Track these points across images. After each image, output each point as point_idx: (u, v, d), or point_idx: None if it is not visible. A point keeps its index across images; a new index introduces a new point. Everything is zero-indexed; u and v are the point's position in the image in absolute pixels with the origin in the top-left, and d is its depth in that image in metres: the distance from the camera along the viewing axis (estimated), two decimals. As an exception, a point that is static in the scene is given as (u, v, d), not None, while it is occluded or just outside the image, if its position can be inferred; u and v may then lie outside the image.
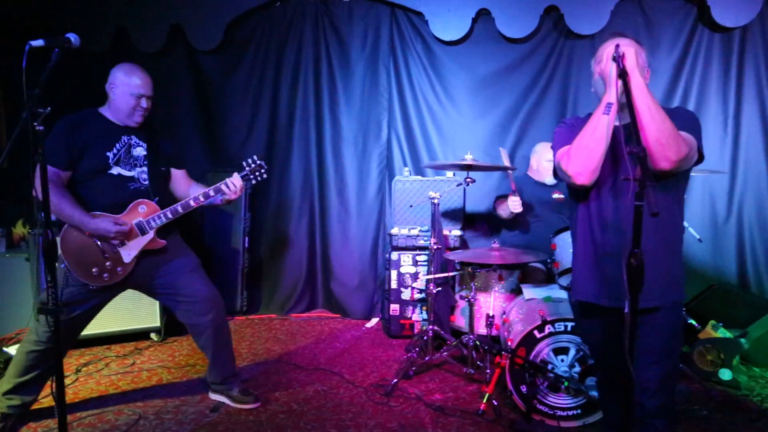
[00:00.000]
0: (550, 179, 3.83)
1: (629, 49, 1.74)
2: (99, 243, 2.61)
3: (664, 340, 1.90)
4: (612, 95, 1.77)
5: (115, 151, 2.66)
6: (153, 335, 3.97)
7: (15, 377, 2.69)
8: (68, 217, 2.55)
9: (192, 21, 4.42)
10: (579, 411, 2.76)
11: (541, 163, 3.84)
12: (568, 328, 2.73)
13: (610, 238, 1.92)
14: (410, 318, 4.01)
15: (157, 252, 2.75)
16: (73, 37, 2.00)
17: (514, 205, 3.59)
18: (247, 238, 4.51)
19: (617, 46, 1.73)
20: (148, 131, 2.83)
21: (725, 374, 3.20)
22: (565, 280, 3.18)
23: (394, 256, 3.99)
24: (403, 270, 3.98)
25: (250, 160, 2.83)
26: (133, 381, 3.31)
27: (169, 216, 2.71)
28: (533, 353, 2.77)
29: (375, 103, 4.46)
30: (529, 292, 3.16)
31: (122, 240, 2.64)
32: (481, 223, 4.43)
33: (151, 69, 4.44)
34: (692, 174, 2.80)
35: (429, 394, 3.15)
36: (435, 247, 3.36)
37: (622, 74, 1.70)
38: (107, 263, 2.63)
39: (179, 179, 2.95)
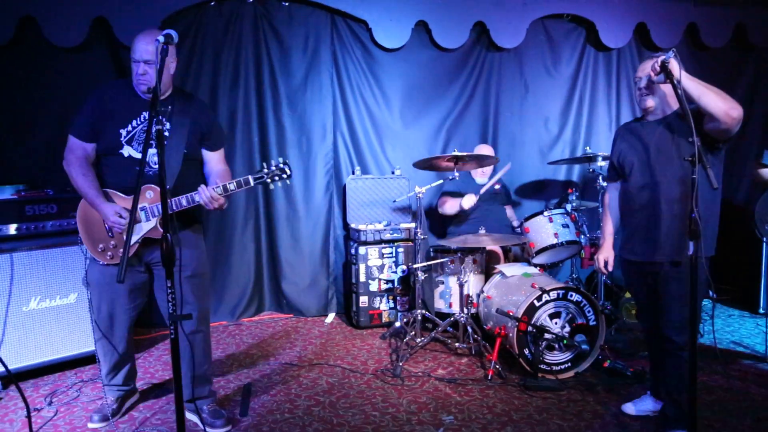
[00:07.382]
0: (480, 179, 4.38)
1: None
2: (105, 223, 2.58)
3: (685, 288, 2.45)
4: None
5: (129, 128, 2.51)
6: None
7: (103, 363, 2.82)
8: (84, 194, 2.55)
9: (119, 15, 4.10)
10: (569, 364, 3.31)
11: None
12: (560, 295, 3.26)
13: (647, 211, 2.49)
14: (378, 308, 4.25)
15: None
16: (174, 33, 1.96)
17: (468, 202, 4.02)
18: (191, 245, 4.31)
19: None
20: (182, 107, 2.57)
21: None
22: (539, 259, 3.73)
23: (362, 250, 4.19)
24: (370, 263, 4.20)
25: (273, 162, 2.59)
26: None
27: (173, 207, 2.45)
28: (533, 320, 3.25)
29: (319, 106, 4.58)
30: (508, 270, 3.63)
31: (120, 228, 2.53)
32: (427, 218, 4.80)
33: (68, 66, 4.11)
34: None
35: (432, 371, 3.46)
36: (421, 237, 3.66)
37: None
38: (111, 242, 2.62)
39: (210, 162, 2.72)
